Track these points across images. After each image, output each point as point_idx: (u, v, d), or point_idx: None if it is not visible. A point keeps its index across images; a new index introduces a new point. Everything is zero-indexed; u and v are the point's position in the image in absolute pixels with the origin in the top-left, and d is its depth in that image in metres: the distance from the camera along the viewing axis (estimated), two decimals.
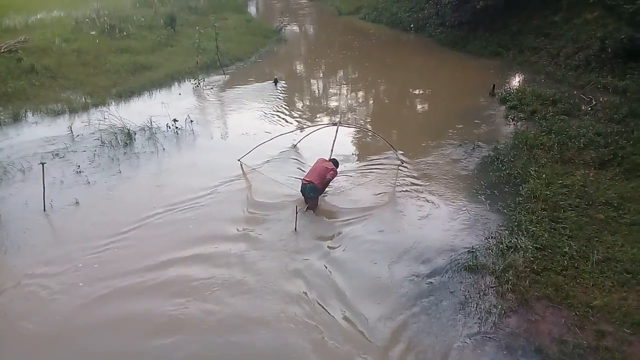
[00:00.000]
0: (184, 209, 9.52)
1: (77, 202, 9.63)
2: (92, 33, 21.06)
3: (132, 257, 8.17)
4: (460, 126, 13.70)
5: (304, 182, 9.44)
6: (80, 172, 10.79)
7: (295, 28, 30.78)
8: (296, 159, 11.78)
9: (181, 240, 8.59)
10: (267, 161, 11.50)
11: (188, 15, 27.44)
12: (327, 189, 10.03)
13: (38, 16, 24.32)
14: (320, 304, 7.22)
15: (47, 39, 19.52)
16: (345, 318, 6.98)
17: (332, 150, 10.55)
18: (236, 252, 8.31)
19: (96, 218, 9.22)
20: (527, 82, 17.23)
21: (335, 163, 10.17)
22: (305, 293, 7.45)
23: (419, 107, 17.01)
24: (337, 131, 11.14)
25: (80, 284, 7.53)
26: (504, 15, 21.79)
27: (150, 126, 13.00)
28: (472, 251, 8.28)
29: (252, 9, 37.53)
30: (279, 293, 7.43)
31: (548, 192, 9.73)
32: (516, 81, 17.79)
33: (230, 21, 27.43)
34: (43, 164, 9.75)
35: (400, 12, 29.36)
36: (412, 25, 27.17)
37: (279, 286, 7.57)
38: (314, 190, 9.40)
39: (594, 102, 14.29)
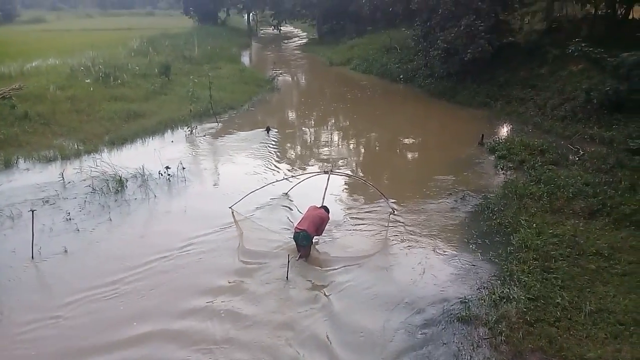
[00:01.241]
0: (174, 258, 9.42)
1: (65, 251, 9.51)
2: (86, 81, 21.38)
3: (120, 308, 8.00)
4: (450, 175, 13.80)
5: (297, 230, 9.41)
6: (70, 219, 10.72)
7: (288, 77, 31.39)
8: (288, 207, 11.77)
9: (170, 291, 8.45)
10: (259, 209, 11.50)
11: (182, 65, 28.02)
12: (319, 237, 9.99)
13: (33, 64, 24.71)
14: (310, 355, 7.06)
15: (42, 86, 19.76)
16: None
17: (323, 199, 10.58)
18: (226, 302, 8.16)
19: (84, 267, 9.07)
20: (515, 132, 17.55)
21: (326, 210, 10.18)
22: (296, 344, 7.29)
23: (409, 156, 17.18)
24: (328, 179, 11.20)
25: (66, 336, 7.37)
26: (492, 67, 22.39)
27: (142, 173, 13.02)
28: (465, 301, 8.20)
29: (245, 59, 38.41)
30: (268, 345, 7.27)
31: (539, 242, 9.75)
32: (504, 131, 18.10)
33: (224, 70, 28.00)
34: (33, 210, 9.68)
35: (389, 63, 30.12)
36: (401, 76, 27.84)
37: (269, 338, 7.41)
38: (306, 238, 9.36)
39: (582, 152, 14.51)
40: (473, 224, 11.04)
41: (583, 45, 17.21)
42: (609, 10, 22.86)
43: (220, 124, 18.97)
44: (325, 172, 11.80)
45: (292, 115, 23.27)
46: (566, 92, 18.48)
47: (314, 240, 9.74)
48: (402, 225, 10.94)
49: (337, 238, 10.42)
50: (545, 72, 20.43)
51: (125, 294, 8.36)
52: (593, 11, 23.31)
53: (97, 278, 8.66)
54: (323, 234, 10.07)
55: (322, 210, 9.94)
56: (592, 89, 16.97)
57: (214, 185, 13.39)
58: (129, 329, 7.53)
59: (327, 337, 7.47)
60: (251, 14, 59.86)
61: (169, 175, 13.06)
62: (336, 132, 20.25)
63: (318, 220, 9.57)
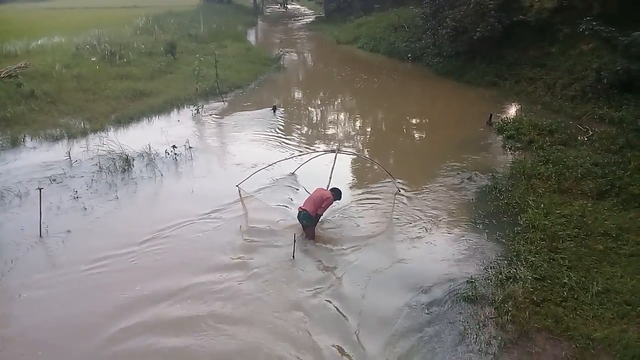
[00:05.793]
0: (180, 236, 9.45)
1: (71, 230, 9.53)
2: (92, 59, 21.32)
3: (125, 284, 8.04)
4: (458, 155, 13.72)
5: (299, 210, 9.43)
6: (77, 197, 10.75)
7: (295, 56, 31.12)
8: (294, 186, 11.75)
9: (175, 269, 8.48)
10: (265, 188, 11.48)
11: (188, 43, 27.85)
12: (325, 217, 9.97)
13: (39, 42, 24.65)
14: (318, 335, 7.10)
15: (48, 64, 19.72)
16: (344, 349, 6.86)
17: (330, 178, 10.49)
18: (232, 281, 8.20)
19: (90, 244, 9.11)
20: (524, 111, 17.35)
21: (338, 193, 10.08)
22: (302, 323, 7.33)
23: (416, 135, 17.08)
24: (335, 158, 11.13)
25: (72, 313, 7.44)
26: (501, 46, 22.08)
27: (148, 152, 13.01)
28: (471, 281, 8.18)
29: (251, 38, 38.11)
30: (275, 324, 7.31)
31: (546, 222, 9.70)
32: (513, 111, 17.90)
33: (230, 49, 27.80)
34: (40, 189, 9.70)
35: (397, 42, 29.80)
36: (409, 55, 27.56)
37: (275, 317, 7.45)
38: (307, 217, 9.34)
39: (591, 133, 14.36)
40: (480, 204, 10.99)
41: (594, 23, 16.92)
42: None
43: (226, 103, 18.89)
44: (333, 151, 11.73)
45: (298, 94, 23.15)
46: (576, 71, 18.22)
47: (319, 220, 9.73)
48: (408, 205, 10.91)
49: (343, 218, 10.40)
50: (556, 51, 20.11)
51: (130, 269, 8.43)
52: None
53: (102, 255, 8.72)
54: (327, 214, 10.03)
55: (325, 191, 9.84)
56: (602, 68, 16.71)
57: (220, 164, 13.36)
58: (129, 307, 7.56)
59: (334, 315, 7.50)
60: None
61: (175, 154, 13.05)
62: (343, 111, 20.12)
63: (319, 201, 9.53)
